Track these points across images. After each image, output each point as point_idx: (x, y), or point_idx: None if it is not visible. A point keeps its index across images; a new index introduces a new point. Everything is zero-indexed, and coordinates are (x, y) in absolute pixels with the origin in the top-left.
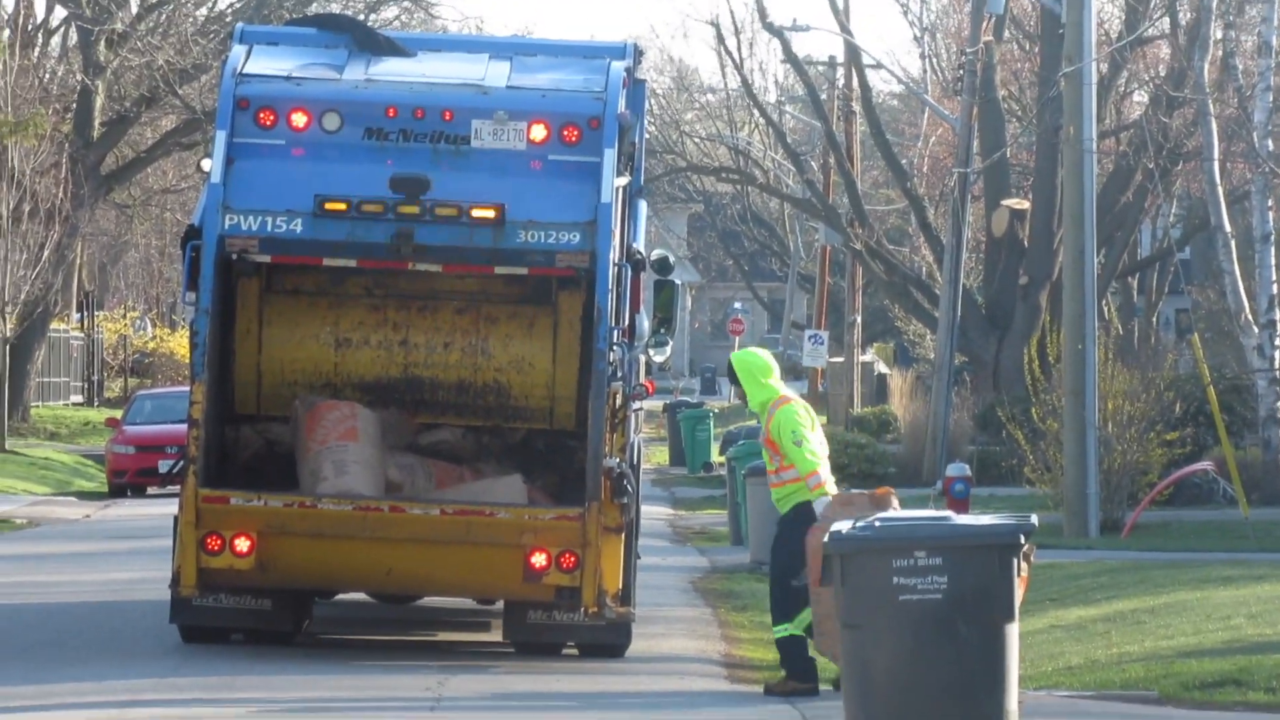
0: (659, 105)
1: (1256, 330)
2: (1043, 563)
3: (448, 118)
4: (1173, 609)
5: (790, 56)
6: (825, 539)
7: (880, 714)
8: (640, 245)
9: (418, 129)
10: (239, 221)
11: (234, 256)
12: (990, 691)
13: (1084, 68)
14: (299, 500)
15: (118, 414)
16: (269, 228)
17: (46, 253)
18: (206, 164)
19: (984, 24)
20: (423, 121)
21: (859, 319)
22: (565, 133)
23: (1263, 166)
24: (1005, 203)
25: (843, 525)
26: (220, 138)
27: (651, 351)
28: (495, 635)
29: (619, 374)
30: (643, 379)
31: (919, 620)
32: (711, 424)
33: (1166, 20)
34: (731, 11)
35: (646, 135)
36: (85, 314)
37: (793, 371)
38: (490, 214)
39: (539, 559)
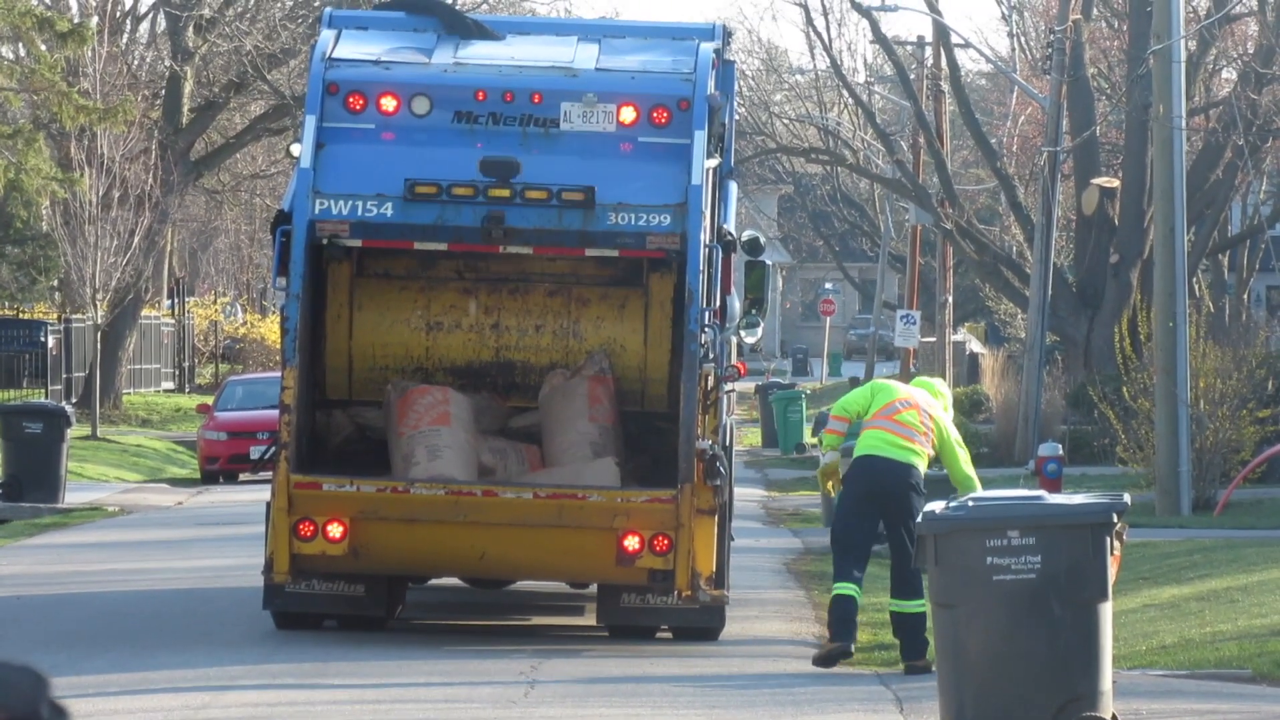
0: (748, 87)
1: None
2: (1135, 541)
3: (537, 100)
4: (1266, 587)
5: (879, 36)
6: (919, 519)
7: (974, 694)
8: (731, 226)
9: (507, 112)
10: (329, 206)
11: (324, 241)
12: (1085, 671)
13: (1173, 45)
14: (391, 485)
15: (209, 400)
16: (359, 212)
17: (137, 239)
18: (296, 149)
19: (1072, 2)
20: (512, 105)
21: (950, 299)
22: (655, 115)
23: None
24: (1095, 181)
25: (936, 505)
26: (310, 122)
27: (743, 333)
28: (589, 619)
29: (710, 355)
30: (734, 360)
31: (1013, 600)
32: (804, 405)
33: None
34: None
35: (736, 117)
36: (176, 300)
37: (885, 352)
38: (580, 196)
39: (632, 542)
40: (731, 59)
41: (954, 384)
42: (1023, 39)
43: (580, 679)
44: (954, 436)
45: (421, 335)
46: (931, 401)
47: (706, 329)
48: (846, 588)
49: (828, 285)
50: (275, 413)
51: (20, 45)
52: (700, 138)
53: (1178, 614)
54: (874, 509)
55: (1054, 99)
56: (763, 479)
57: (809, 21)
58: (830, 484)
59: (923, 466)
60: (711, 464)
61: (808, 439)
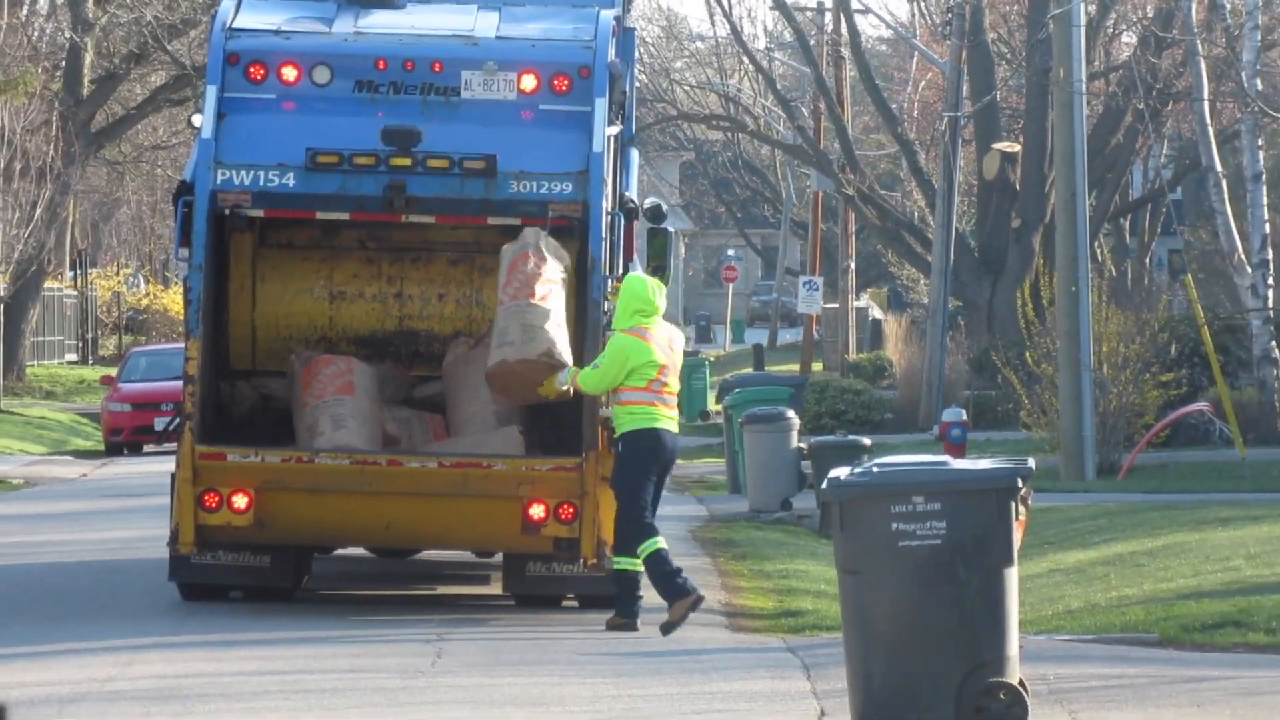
0: (648, 54)
1: (1250, 270)
2: (1040, 506)
3: (437, 69)
4: (1171, 551)
5: (779, 3)
6: (824, 485)
7: (881, 660)
8: (633, 194)
9: (408, 81)
10: (231, 176)
11: (226, 211)
12: (991, 636)
13: (1073, 9)
14: (296, 455)
15: (113, 372)
16: (261, 182)
17: (39, 211)
18: (197, 119)
19: None
20: (413, 74)
21: (853, 265)
22: (555, 82)
23: (1252, 106)
24: (996, 146)
25: (840, 471)
26: (211, 93)
27: None
28: (495, 588)
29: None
30: None
31: (918, 566)
32: (708, 372)
33: None
34: None
35: (637, 84)
36: (78, 272)
37: (788, 318)
38: (482, 165)
39: (537, 510)
40: (632, 26)
41: (857, 350)
42: (922, 4)
43: (487, 648)
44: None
45: (325, 305)
46: (678, 339)
47: (610, 296)
48: (634, 562)
49: (730, 252)
50: (179, 384)
51: None
52: (601, 105)
53: (1083, 579)
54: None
55: (954, 64)
56: None
57: None
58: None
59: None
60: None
61: (711, 406)
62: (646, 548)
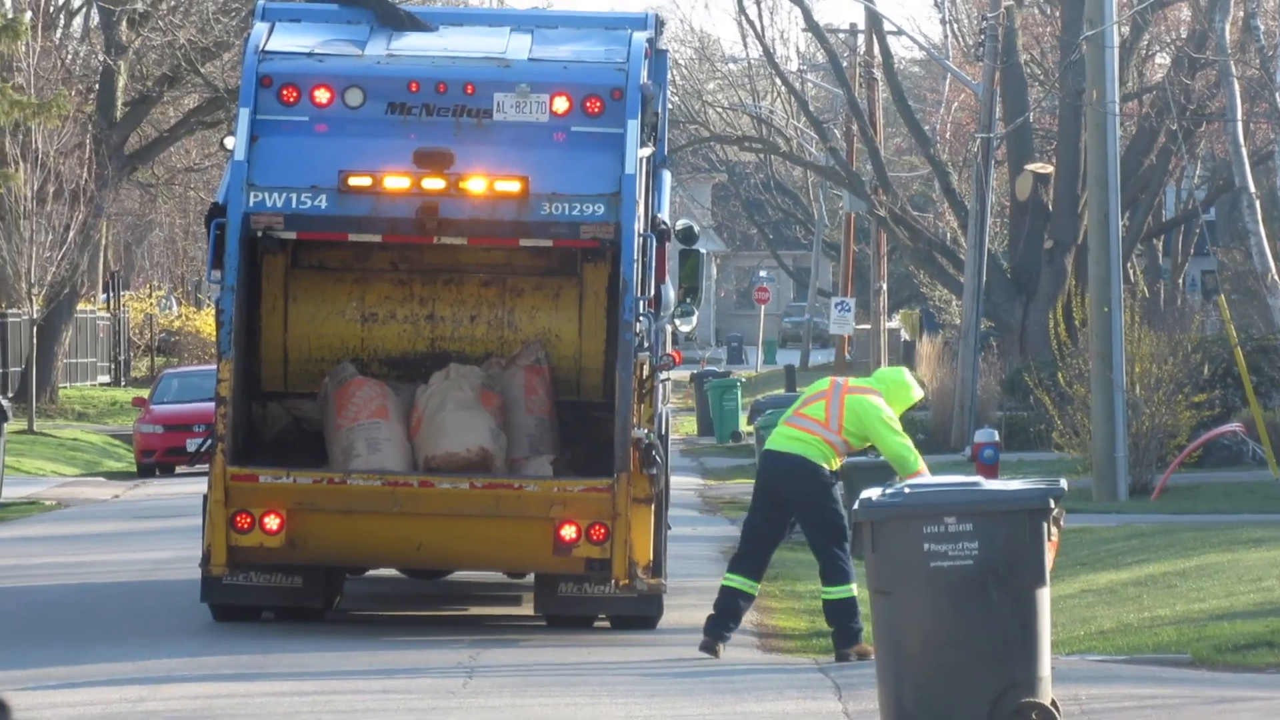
0: (681, 76)
1: None
2: (1073, 527)
3: (470, 91)
4: (1204, 572)
5: (811, 24)
6: (856, 506)
7: (913, 681)
8: (665, 215)
9: (440, 103)
10: (264, 198)
11: (259, 233)
12: (1023, 657)
13: (1105, 30)
14: (328, 476)
15: (145, 393)
16: (293, 204)
17: (72, 234)
18: (230, 142)
19: None
20: (445, 95)
21: (885, 286)
22: (588, 104)
23: None
24: (1029, 167)
25: (872, 492)
26: (244, 115)
27: (678, 321)
28: (527, 609)
29: (645, 344)
30: (669, 349)
31: (951, 587)
32: (739, 393)
33: None
34: None
35: (669, 106)
36: (111, 294)
37: (820, 340)
38: (514, 187)
39: (569, 531)
40: (664, 48)
41: None
42: (955, 25)
43: (518, 669)
44: (881, 415)
45: (356, 327)
46: (858, 386)
47: (641, 318)
48: (731, 579)
49: (762, 273)
50: (211, 405)
51: None
52: (633, 127)
53: (1116, 599)
54: (771, 503)
55: (987, 85)
56: (699, 467)
57: (741, 10)
58: None
59: (817, 454)
60: (647, 453)
61: (743, 427)
62: (727, 578)
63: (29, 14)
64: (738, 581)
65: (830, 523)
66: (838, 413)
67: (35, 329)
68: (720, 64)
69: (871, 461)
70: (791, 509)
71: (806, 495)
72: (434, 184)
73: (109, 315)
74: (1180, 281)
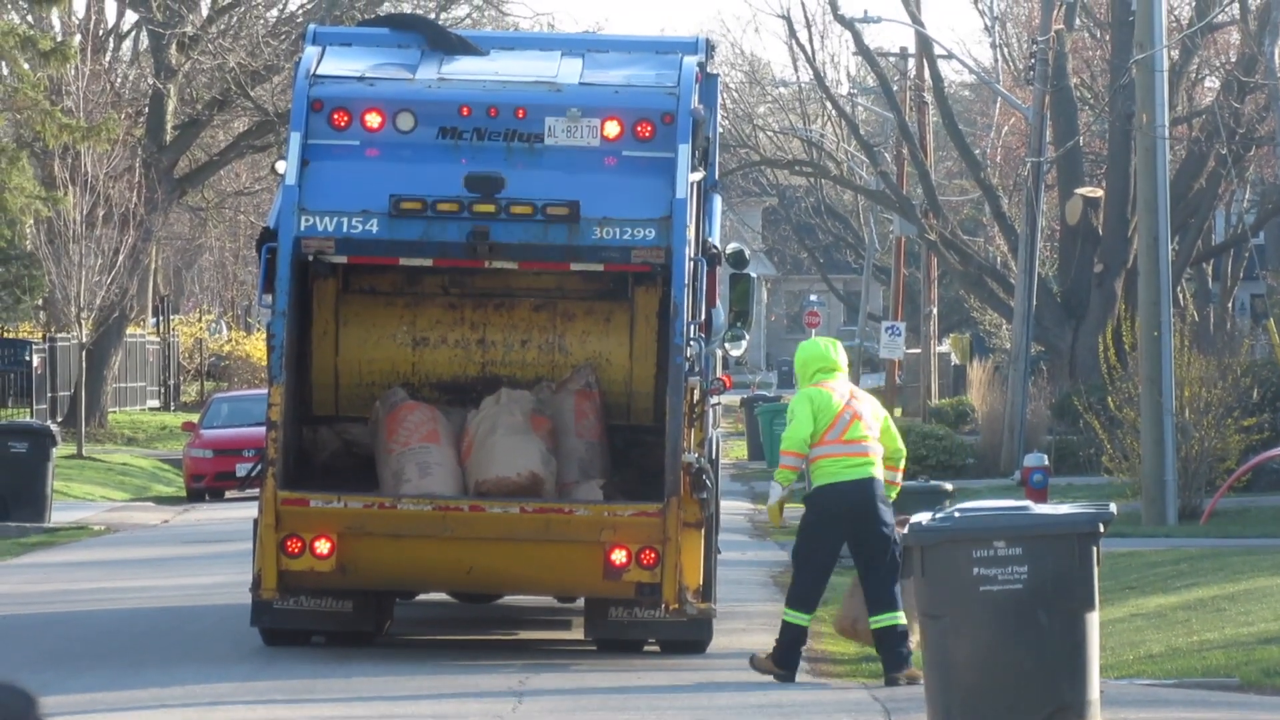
0: (732, 100)
1: None
2: (1122, 551)
3: (521, 115)
4: (1253, 595)
5: (862, 48)
6: (906, 531)
7: (961, 704)
8: (715, 239)
9: (491, 127)
10: (314, 223)
11: (310, 258)
12: (1072, 680)
13: (1155, 54)
14: (379, 501)
15: (194, 418)
16: (345, 228)
17: (121, 257)
18: (281, 166)
19: (1055, 12)
20: (496, 120)
21: (935, 310)
22: (639, 128)
23: None
24: (1079, 191)
25: (923, 516)
26: (294, 139)
27: (728, 346)
28: (576, 633)
29: (696, 369)
30: (719, 374)
31: (1000, 610)
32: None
33: (1236, 6)
34: (803, 4)
35: (720, 130)
36: (161, 318)
37: (870, 364)
38: (565, 211)
39: (619, 555)
40: (715, 72)
41: (939, 395)
42: (1005, 50)
43: (568, 692)
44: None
45: (407, 351)
46: (864, 394)
47: (692, 342)
48: (801, 617)
49: (812, 297)
50: (261, 430)
51: (3, 64)
52: (684, 151)
53: (1164, 623)
54: (838, 531)
55: (1037, 109)
56: (748, 492)
57: (792, 34)
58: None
59: (880, 470)
60: (698, 477)
61: None
62: (791, 615)
63: (78, 37)
64: (806, 618)
65: (890, 549)
66: (875, 420)
67: (84, 353)
68: (771, 88)
69: (920, 486)
70: (858, 533)
71: (880, 515)
72: (485, 208)
73: (158, 340)
74: (1230, 305)
